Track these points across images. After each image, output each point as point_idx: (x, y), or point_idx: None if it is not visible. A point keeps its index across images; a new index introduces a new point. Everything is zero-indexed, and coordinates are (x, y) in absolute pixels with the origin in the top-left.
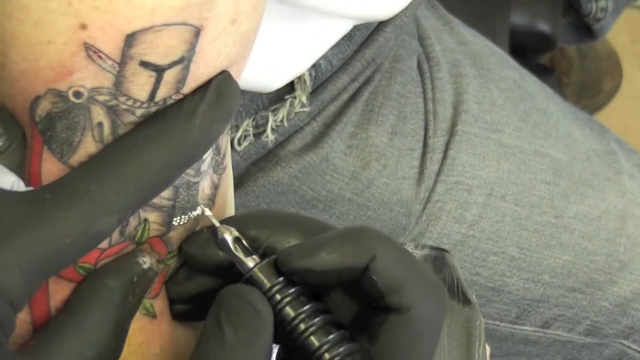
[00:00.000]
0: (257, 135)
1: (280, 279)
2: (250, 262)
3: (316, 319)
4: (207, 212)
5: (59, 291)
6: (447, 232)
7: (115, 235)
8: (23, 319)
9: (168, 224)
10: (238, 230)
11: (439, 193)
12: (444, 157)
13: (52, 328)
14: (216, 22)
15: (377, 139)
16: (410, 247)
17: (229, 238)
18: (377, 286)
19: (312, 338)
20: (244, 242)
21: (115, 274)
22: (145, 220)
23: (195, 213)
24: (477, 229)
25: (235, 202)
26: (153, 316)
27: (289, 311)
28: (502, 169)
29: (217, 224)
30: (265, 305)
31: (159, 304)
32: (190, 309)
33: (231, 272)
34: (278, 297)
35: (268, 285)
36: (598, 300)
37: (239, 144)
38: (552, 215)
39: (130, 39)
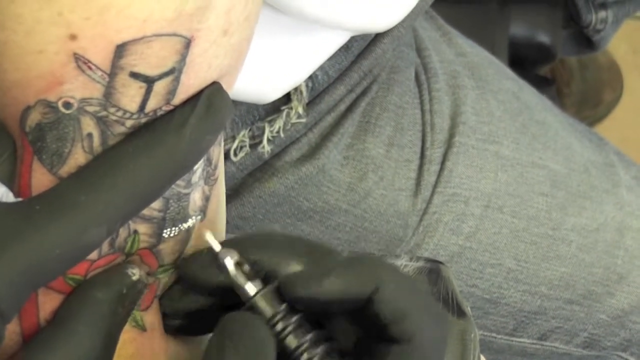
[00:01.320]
0: (254, 146)
1: (283, 306)
2: (251, 288)
3: (318, 349)
4: (209, 236)
5: (48, 302)
6: (444, 243)
7: (105, 247)
8: (12, 330)
9: (158, 236)
10: (239, 253)
11: (436, 204)
12: (441, 169)
13: (40, 340)
14: (207, 33)
15: (374, 150)
16: (405, 259)
17: (230, 262)
18: (380, 316)
19: None
20: (245, 266)
21: (104, 285)
22: (135, 231)
23: (186, 225)
24: (474, 240)
25: (231, 212)
26: (143, 329)
27: (292, 340)
28: (500, 180)
29: (218, 247)
30: (268, 335)
31: (150, 317)
32: (183, 324)
33: (230, 292)
34: (281, 325)
35: (271, 313)
36: (596, 313)
37: (235, 154)
38: (549, 227)
39: (120, 50)
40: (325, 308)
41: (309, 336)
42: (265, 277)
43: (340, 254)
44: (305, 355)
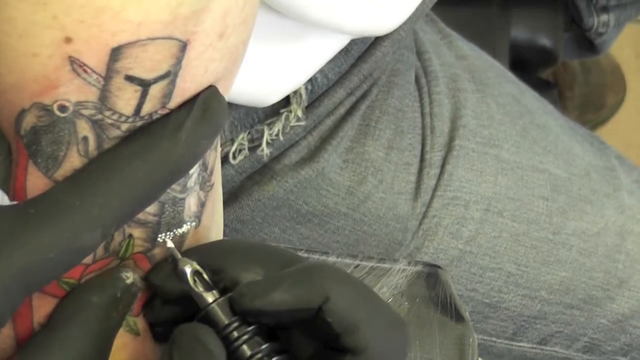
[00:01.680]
0: (253, 149)
1: (237, 316)
2: (209, 297)
3: None
4: (169, 244)
5: (42, 306)
6: (444, 247)
7: (100, 251)
8: (6, 334)
9: (153, 240)
10: (200, 263)
11: (436, 208)
12: (441, 172)
13: (34, 344)
14: (203, 36)
15: (373, 154)
16: (403, 264)
17: (188, 271)
18: (331, 327)
19: None
20: (204, 275)
21: (98, 290)
22: (130, 235)
23: (180, 230)
24: (474, 244)
25: (230, 216)
26: (136, 333)
27: (245, 350)
28: (500, 184)
29: (178, 255)
30: (218, 346)
31: (143, 322)
32: (170, 332)
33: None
34: (235, 334)
35: (225, 322)
36: (596, 317)
37: (234, 157)
38: (550, 231)
39: (115, 53)
40: (276, 319)
41: (262, 347)
42: (224, 288)
43: (300, 264)
44: None
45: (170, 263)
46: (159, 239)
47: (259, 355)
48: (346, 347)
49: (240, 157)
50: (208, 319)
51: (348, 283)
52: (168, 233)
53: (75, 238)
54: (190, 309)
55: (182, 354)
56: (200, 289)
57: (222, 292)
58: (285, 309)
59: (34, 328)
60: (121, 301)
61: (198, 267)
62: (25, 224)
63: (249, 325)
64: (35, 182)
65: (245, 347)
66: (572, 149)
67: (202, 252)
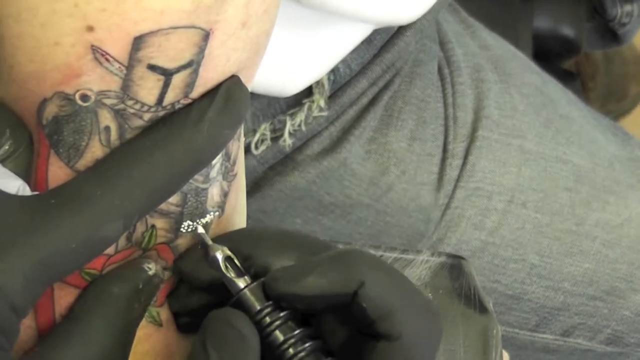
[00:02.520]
0: (275, 140)
1: (270, 301)
2: (240, 282)
3: (305, 345)
4: (200, 230)
5: (64, 297)
6: (467, 238)
7: (122, 242)
8: (27, 325)
9: (175, 231)
10: (231, 249)
11: (459, 199)
12: (464, 163)
13: (56, 335)
14: (226, 25)
15: (396, 144)
16: (426, 255)
17: (219, 257)
18: (366, 313)
19: None
20: (235, 261)
21: (120, 280)
22: (153, 226)
23: (204, 220)
24: (497, 236)
25: (252, 206)
26: (159, 324)
27: (278, 336)
28: (523, 175)
29: (209, 241)
30: (251, 330)
31: (166, 313)
32: (194, 322)
33: (228, 292)
34: (267, 320)
35: (257, 308)
36: (619, 309)
37: (256, 148)
38: (573, 222)
39: (138, 42)
40: (310, 305)
41: (295, 332)
42: (255, 273)
43: (332, 250)
44: (290, 351)
45: (200, 250)
46: (182, 229)
47: (292, 341)
48: (380, 334)
49: (262, 148)
50: (240, 305)
51: (383, 269)
52: (191, 223)
53: (97, 229)
54: (218, 297)
55: (215, 340)
56: (231, 274)
57: (253, 278)
58: (320, 294)
59: (55, 319)
60: (143, 292)
61: (229, 253)
62: (47, 214)
63: (282, 311)
64: (57, 172)
65: (278, 332)
66: (595, 139)
67: (233, 239)
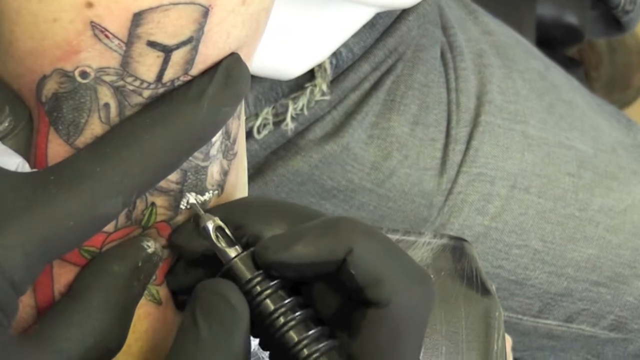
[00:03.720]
0: (277, 124)
1: (260, 271)
2: (232, 252)
3: (295, 314)
4: (192, 200)
5: (63, 275)
6: (470, 224)
7: (122, 219)
8: (27, 303)
9: (175, 209)
10: (222, 219)
11: (462, 184)
12: (467, 148)
13: (55, 313)
14: (225, 2)
15: (398, 129)
16: (428, 237)
17: (210, 226)
18: (355, 280)
19: (291, 333)
20: (227, 231)
21: (119, 258)
22: (153, 204)
23: (203, 198)
24: (500, 221)
25: (254, 191)
26: (159, 303)
27: (268, 305)
28: (526, 160)
29: (200, 212)
30: (240, 300)
31: (165, 291)
32: None
33: (221, 264)
34: (257, 289)
35: (247, 277)
36: (623, 295)
37: (259, 132)
38: (576, 208)
39: (137, 18)
40: (300, 273)
41: (286, 301)
42: (247, 243)
43: (322, 217)
44: (281, 320)
45: (192, 222)
46: (181, 206)
47: (282, 310)
48: (370, 300)
49: (264, 132)
50: (231, 275)
51: (372, 235)
52: (192, 200)
53: (96, 205)
54: (213, 272)
55: (204, 310)
56: (222, 244)
57: (245, 247)
58: (308, 262)
59: (55, 297)
60: (142, 270)
61: (220, 223)
62: (46, 191)
63: (272, 280)
64: (56, 149)
65: (268, 301)
66: (598, 125)
67: (225, 209)
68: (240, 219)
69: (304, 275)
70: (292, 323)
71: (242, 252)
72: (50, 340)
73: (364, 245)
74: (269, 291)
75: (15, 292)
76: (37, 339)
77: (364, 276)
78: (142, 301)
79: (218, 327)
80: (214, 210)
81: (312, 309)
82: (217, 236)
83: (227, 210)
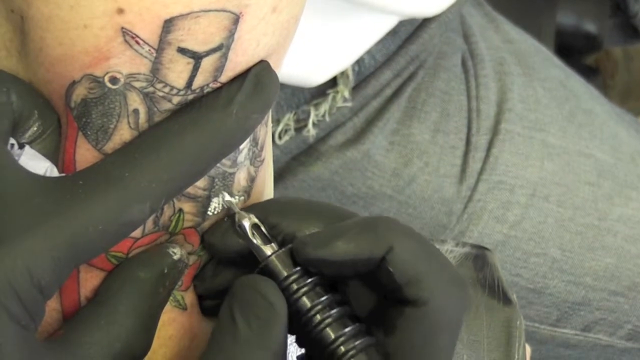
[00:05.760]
0: (298, 130)
1: (297, 268)
2: (268, 250)
3: (332, 311)
4: (227, 198)
5: (89, 280)
6: (489, 231)
7: (149, 225)
8: (53, 307)
9: (202, 215)
10: (258, 217)
11: (481, 192)
12: (487, 156)
13: (81, 318)
14: (256, 9)
15: (419, 136)
16: (450, 245)
17: (246, 224)
18: (394, 278)
19: (328, 330)
20: (262, 229)
21: (145, 265)
22: (180, 210)
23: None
24: (519, 229)
25: (274, 196)
26: (184, 308)
27: (305, 302)
28: (546, 169)
29: (237, 209)
30: (279, 297)
31: (191, 297)
32: (219, 304)
33: (255, 263)
34: (294, 287)
35: (284, 274)
36: None
37: (280, 138)
38: (595, 217)
39: (168, 25)
40: (338, 270)
41: (323, 298)
42: (283, 241)
43: (358, 217)
44: (318, 317)
45: (227, 220)
46: (209, 212)
47: (319, 307)
48: (408, 299)
49: (286, 138)
50: (267, 272)
51: (412, 235)
52: (217, 205)
53: (123, 211)
54: (244, 274)
55: (242, 307)
56: (259, 242)
57: (280, 245)
58: (348, 259)
59: (81, 302)
60: (168, 277)
61: (256, 220)
62: (74, 195)
63: (309, 278)
64: (85, 154)
65: (305, 298)
66: (618, 134)
67: (260, 208)
68: (275, 217)
69: (341, 272)
70: (329, 320)
71: (279, 249)
72: (75, 345)
73: (404, 245)
74: (305, 288)
75: (42, 296)
76: (62, 343)
77: (402, 275)
78: (167, 307)
79: (257, 324)
80: (248, 209)
81: (348, 306)
82: (253, 234)
83: (262, 209)
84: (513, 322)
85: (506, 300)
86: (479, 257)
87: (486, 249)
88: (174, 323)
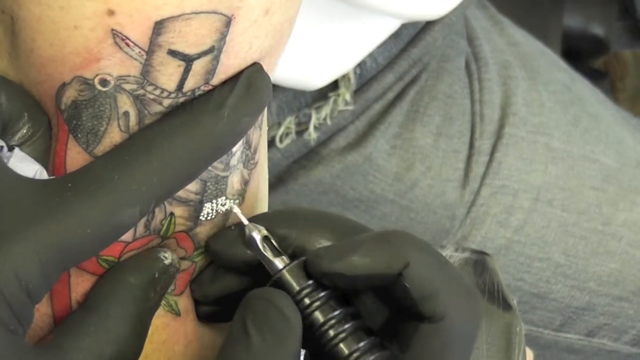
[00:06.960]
0: (300, 133)
1: (310, 281)
2: (279, 262)
3: (346, 325)
4: (236, 209)
5: (80, 284)
6: (492, 236)
7: (140, 229)
8: (44, 312)
9: (195, 219)
10: (267, 229)
11: (484, 196)
12: (490, 160)
13: (71, 324)
14: (248, 11)
15: (421, 140)
16: (450, 250)
17: (257, 237)
18: (410, 294)
19: (342, 345)
20: (272, 241)
21: (136, 270)
22: (171, 214)
23: (223, 208)
24: (523, 234)
25: (275, 200)
26: (177, 314)
27: (318, 316)
28: (550, 173)
29: (245, 221)
30: (293, 310)
31: (184, 302)
32: (215, 310)
33: (258, 271)
34: (307, 301)
35: (297, 288)
36: None
37: (281, 141)
38: (599, 222)
39: (158, 27)
40: (353, 284)
41: (336, 312)
42: (292, 253)
43: (371, 230)
44: (331, 332)
45: (234, 230)
46: (201, 217)
47: (333, 321)
48: (424, 315)
49: (287, 141)
50: (279, 285)
51: (427, 250)
52: (210, 211)
53: (113, 213)
54: (242, 284)
55: (257, 319)
56: (269, 254)
57: (291, 258)
58: (364, 273)
59: (72, 306)
60: (159, 282)
61: (266, 233)
62: (63, 198)
63: (321, 291)
64: (75, 157)
65: (318, 312)
66: (623, 139)
67: (269, 219)
68: (284, 229)
69: (356, 286)
70: (343, 335)
71: (290, 262)
72: (64, 351)
73: (420, 260)
74: (318, 302)
75: (30, 300)
76: (52, 348)
77: (419, 290)
78: (160, 312)
79: (271, 337)
80: (256, 220)
81: (362, 320)
82: (263, 246)
83: (272, 221)
84: (513, 327)
85: (506, 305)
86: (479, 262)
87: (486, 254)
88: (167, 328)
